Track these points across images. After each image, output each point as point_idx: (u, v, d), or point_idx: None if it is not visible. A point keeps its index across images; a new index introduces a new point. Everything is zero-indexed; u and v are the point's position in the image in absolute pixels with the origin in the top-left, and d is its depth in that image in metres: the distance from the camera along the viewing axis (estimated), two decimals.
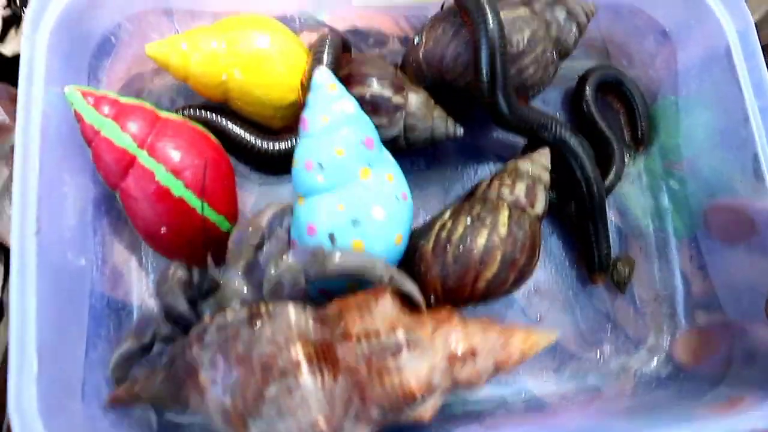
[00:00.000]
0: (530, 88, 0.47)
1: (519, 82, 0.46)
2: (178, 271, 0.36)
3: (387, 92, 0.45)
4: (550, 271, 0.50)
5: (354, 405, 0.34)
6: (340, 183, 0.40)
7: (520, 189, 0.43)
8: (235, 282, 0.36)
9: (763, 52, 0.44)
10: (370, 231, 0.40)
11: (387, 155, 0.43)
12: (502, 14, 0.44)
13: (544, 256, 0.50)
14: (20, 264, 0.37)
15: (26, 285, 0.37)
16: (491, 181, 0.44)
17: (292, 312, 0.35)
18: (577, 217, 0.49)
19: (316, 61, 0.45)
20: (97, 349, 0.43)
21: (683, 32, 0.49)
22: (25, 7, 0.38)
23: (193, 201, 0.42)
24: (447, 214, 0.43)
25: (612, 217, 0.52)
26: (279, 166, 0.47)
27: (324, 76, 0.41)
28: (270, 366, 0.33)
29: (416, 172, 0.50)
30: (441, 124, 0.46)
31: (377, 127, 0.43)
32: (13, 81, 0.42)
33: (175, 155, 0.42)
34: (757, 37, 0.44)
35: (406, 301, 0.38)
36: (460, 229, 0.42)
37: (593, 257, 0.48)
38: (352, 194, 0.40)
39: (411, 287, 0.38)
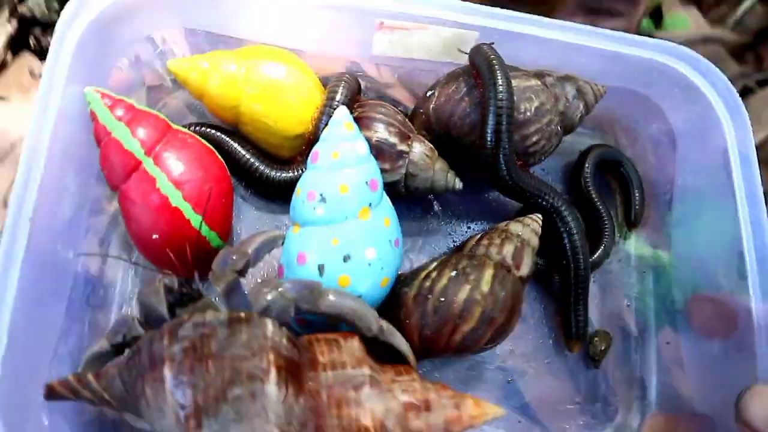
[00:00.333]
0: (532, 156, 0.48)
1: (522, 148, 0.47)
2: (164, 279, 0.36)
3: (393, 139, 0.46)
4: (529, 335, 0.51)
5: (308, 429, 0.34)
6: (338, 218, 0.41)
7: (508, 250, 0.44)
8: (213, 299, 0.36)
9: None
10: (360, 269, 0.41)
11: (387, 200, 0.44)
12: (514, 82, 0.46)
13: (526, 319, 0.51)
14: (8, 246, 0.38)
15: (10, 267, 0.37)
16: (481, 238, 0.45)
17: (270, 325, 0.35)
18: (560, 285, 0.50)
19: (330, 100, 0.46)
20: (67, 344, 0.43)
21: (686, 126, 0.51)
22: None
23: (189, 213, 0.42)
24: (433, 265, 0.44)
25: (596, 291, 0.52)
26: (278, 194, 0.48)
27: (343, 114, 0.43)
28: (239, 369, 0.33)
29: (412, 219, 0.51)
30: (441, 176, 0.48)
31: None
32: None
33: (179, 167, 0.43)
34: (753, 144, 0.45)
35: (371, 351, 0.38)
36: (443, 281, 0.42)
37: (570, 325, 0.49)
38: (348, 231, 0.41)
39: (401, 342, 0.39)
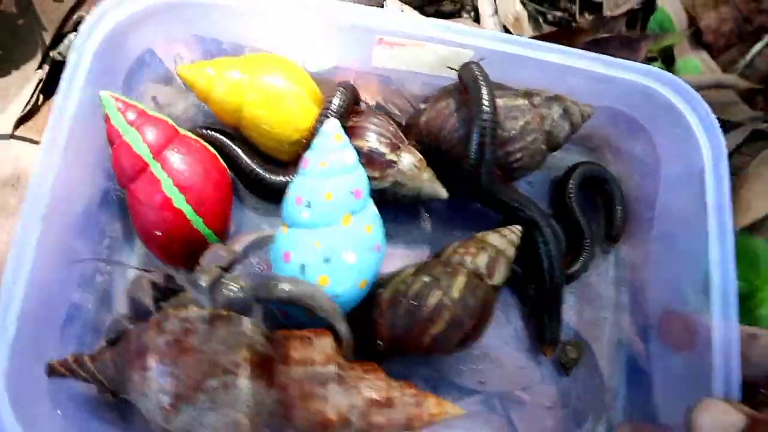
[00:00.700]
0: (515, 171, 0.51)
1: (506, 163, 0.50)
2: (150, 276, 0.40)
3: (383, 149, 0.49)
4: (503, 339, 0.53)
5: (276, 420, 0.38)
6: (322, 223, 0.44)
7: (482, 259, 0.47)
8: (196, 293, 0.40)
9: None
10: (339, 271, 0.44)
11: (372, 207, 0.47)
12: (502, 101, 0.49)
13: (501, 325, 0.53)
14: (21, 241, 0.41)
15: (23, 259, 0.41)
16: (458, 246, 0.48)
17: (248, 324, 0.39)
18: (536, 293, 0.52)
19: (326, 109, 0.49)
20: (74, 326, 0.47)
21: (668, 147, 0.52)
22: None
23: (190, 214, 0.46)
24: (410, 270, 0.47)
25: (574, 303, 0.55)
26: (275, 196, 0.51)
27: (333, 126, 0.46)
28: (216, 362, 0.37)
29: (398, 225, 0.54)
30: (429, 185, 0.50)
31: (369, 178, 0.47)
32: None
33: (184, 172, 0.46)
34: (727, 167, 0.47)
35: (341, 349, 0.42)
36: (416, 286, 0.45)
37: (544, 330, 0.52)
38: (330, 235, 0.44)
39: (342, 327, 0.42)
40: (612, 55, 0.50)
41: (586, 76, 0.50)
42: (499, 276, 0.47)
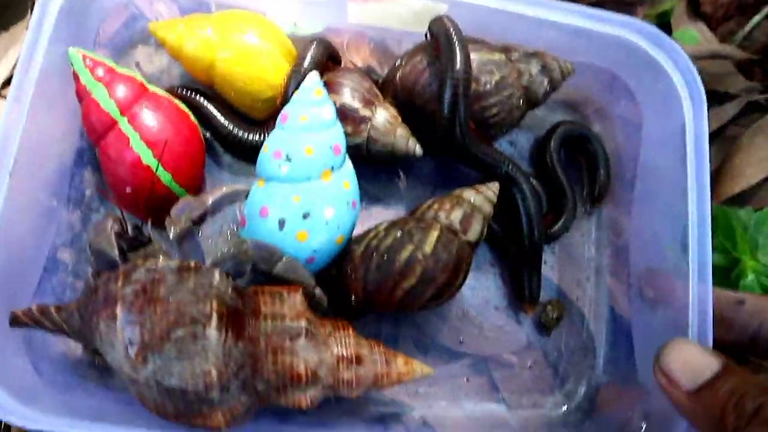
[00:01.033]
0: (492, 127, 0.50)
1: (481, 119, 0.49)
2: (114, 223, 0.40)
3: (356, 104, 0.48)
4: (484, 299, 0.53)
5: (245, 372, 0.38)
6: (301, 178, 0.44)
7: (457, 215, 0.46)
8: (164, 244, 0.40)
9: None
10: (317, 226, 0.44)
11: (348, 164, 0.47)
12: (478, 55, 0.48)
13: (481, 284, 0.53)
14: None
15: None
16: (433, 203, 0.47)
17: (217, 275, 0.39)
18: (515, 251, 0.51)
19: (299, 66, 0.48)
20: (51, 282, 0.47)
21: (650, 104, 0.51)
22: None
23: (159, 171, 0.46)
24: (383, 225, 0.47)
25: (555, 263, 0.54)
26: (250, 155, 0.51)
27: (313, 80, 0.45)
28: (184, 312, 0.36)
29: (375, 184, 0.53)
30: (402, 142, 0.49)
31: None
32: None
33: (152, 128, 0.46)
34: (706, 122, 0.46)
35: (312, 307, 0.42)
36: (388, 241, 0.45)
37: (523, 288, 0.51)
38: (309, 190, 0.44)
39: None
40: None
41: (564, 29, 0.49)
42: (474, 232, 0.46)
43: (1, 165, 0.42)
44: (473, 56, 0.47)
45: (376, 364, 0.41)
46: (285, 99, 0.48)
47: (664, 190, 0.49)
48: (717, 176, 0.59)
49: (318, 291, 0.44)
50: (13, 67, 0.58)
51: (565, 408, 0.51)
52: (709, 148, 0.46)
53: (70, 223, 0.50)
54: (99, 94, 0.45)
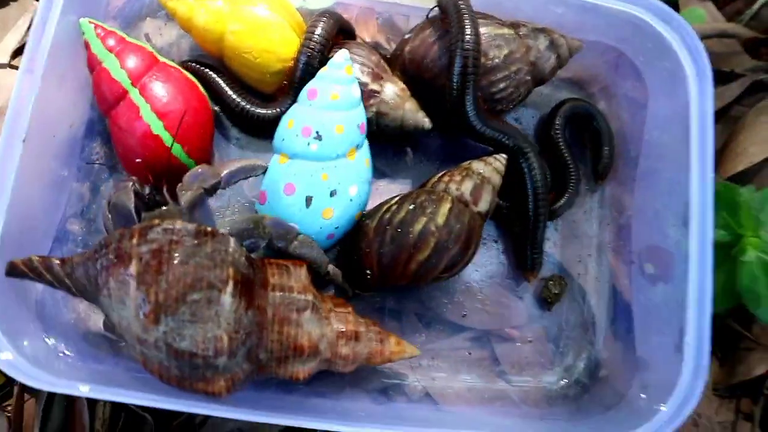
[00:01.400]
0: (499, 102, 0.50)
1: (489, 94, 0.49)
2: (135, 184, 0.40)
3: (365, 78, 0.48)
4: (486, 273, 0.54)
5: (251, 340, 0.39)
6: (330, 156, 0.44)
7: (467, 186, 0.47)
8: (176, 209, 0.40)
9: None
10: (342, 204, 0.45)
11: (366, 142, 0.47)
12: (487, 29, 0.48)
13: (484, 259, 0.53)
14: (2, 162, 0.42)
15: (4, 183, 0.42)
16: (443, 175, 0.48)
17: (233, 242, 0.39)
18: (520, 223, 0.52)
19: (308, 39, 0.49)
20: (61, 251, 0.48)
21: (657, 82, 0.51)
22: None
23: (168, 141, 0.46)
24: (395, 199, 0.47)
25: (558, 239, 0.55)
26: (260, 129, 0.51)
27: (344, 57, 0.45)
28: (201, 276, 0.36)
29: (384, 159, 0.54)
30: (411, 115, 0.50)
31: None
32: None
33: (162, 98, 0.46)
34: (713, 100, 0.46)
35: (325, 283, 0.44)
36: (401, 214, 0.45)
37: (526, 257, 0.52)
38: (337, 168, 0.44)
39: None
40: None
41: (572, 6, 0.49)
42: (484, 203, 0.47)
43: (15, 133, 0.43)
44: (482, 30, 0.47)
45: (372, 341, 0.43)
46: (295, 72, 0.49)
47: (667, 168, 0.50)
48: (721, 155, 0.59)
49: (332, 267, 0.45)
50: (24, 36, 0.59)
51: (564, 382, 0.52)
52: (714, 126, 0.46)
53: (80, 193, 0.50)
54: (110, 63, 0.46)
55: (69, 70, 0.47)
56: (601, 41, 0.53)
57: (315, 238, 0.45)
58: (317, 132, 0.44)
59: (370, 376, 0.50)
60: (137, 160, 0.47)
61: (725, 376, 0.57)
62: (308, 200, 0.44)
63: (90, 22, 0.46)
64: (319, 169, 0.44)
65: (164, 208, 0.41)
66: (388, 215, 0.46)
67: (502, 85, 0.49)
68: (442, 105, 0.49)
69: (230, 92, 0.51)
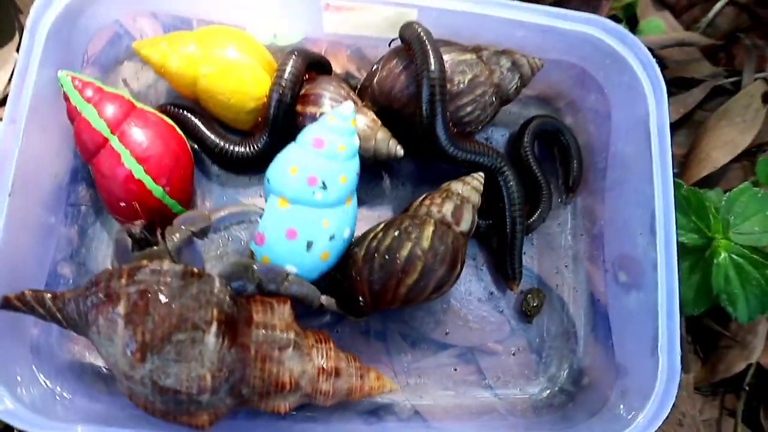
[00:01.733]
0: (467, 125, 0.52)
1: (457, 118, 0.51)
2: (129, 225, 0.43)
3: None
4: (467, 291, 0.55)
5: (234, 377, 0.40)
6: (332, 203, 0.46)
7: (448, 208, 0.48)
8: (164, 250, 0.42)
9: None
10: (338, 245, 0.47)
11: None
12: (450, 56, 0.50)
13: (465, 276, 0.55)
14: None
15: None
16: (424, 198, 0.50)
17: (217, 283, 0.41)
18: (498, 236, 0.54)
19: (279, 78, 0.51)
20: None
21: (617, 96, 0.53)
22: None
23: (150, 184, 0.48)
24: (380, 226, 0.49)
25: (534, 253, 0.57)
26: (239, 167, 0.54)
27: (351, 109, 0.47)
28: (186, 317, 0.38)
29: (361, 187, 0.55)
30: (383, 144, 0.52)
31: None
32: None
33: (142, 144, 0.48)
34: (668, 112, 0.48)
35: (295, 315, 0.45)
36: (387, 241, 0.47)
37: (506, 268, 0.54)
38: (337, 215, 0.46)
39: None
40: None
41: (532, 28, 0.51)
42: (465, 222, 0.49)
43: (1, 186, 0.44)
44: (445, 57, 0.49)
45: (352, 377, 0.44)
46: (269, 110, 0.51)
47: (632, 177, 0.51)
48: (686, 160, 0.61)
49: (325, 298, 0.46)
50: (5, 88, 0.60)
51: (549, 391, 0.54)
52: (678, 133, 0.49)
53: (68, 237, 0.52)
54: (89, 113, 0.47)
55: (51, 121, 0.49)
56: (563, 59, 0.55)
57: (308, 276, 0.47)
58: (323, 182, 0.45)
59: None
60: (121, 204, 0.48)
61: (707, 375, 0.59)
62: (309, 245, 0.45)
63: (68, 74, 0.48)
64: (321, 216, 0.45)
65: (153, 248, 0.42)
66: (374, 243, 0.47)
67: (469, 109, 0.51)
68: (414, 132, 0.51)
69: (208, 132, 0.53)
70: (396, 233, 0.47)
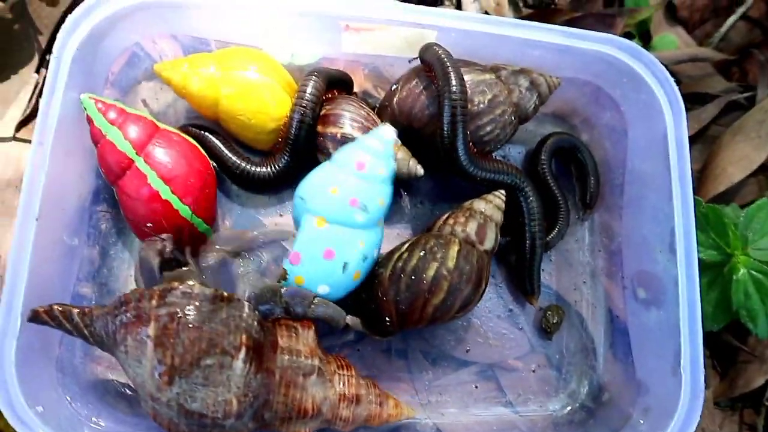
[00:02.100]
0: (487, 144, 0.52)
1: (477, 137, 0.51)
2: (160, 242, 0.43)
3: (356, 134, 0.51)
4: (488, 309, 0.56)
5: (258, 402, 0.40)
6: (369, 226, 0.47)
7: (472, 227, 0.49)
8: (198, 270, 0.42)
9: None
10: (368, 266, 0.48)
11: None
12: (470, 76, 0.50)
13: (486, 295, 0.54)
14: (19, 242, 0.44)
15: (21, 258, 0.44)
16: (448, 217, 0.50)
17: (247, 308, 0.41)
18: (518, 253, 0.55)
19: (300, 98, 0.51)
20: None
21: (634, 113, 0.54)
22: None
23: (177, 204, 0.48)
24: (405, 246, 0.49)
25: (553, 270, 0.57)
26: (260, 187, 0.54)
27: (393, 134, 0.48)
28: (215, 342, 0.38)
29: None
30: (404, 164, 0.52)
31: None
32: None
33: (167, 164, 0.48)
34: (686, 129, 0.49)
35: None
36: (413, 261, 0.47)
37: (525, 284, 0.54)
38: (372, 237, 0.47)
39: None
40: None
41: (548, 48, 0.52)
42: (489, 241, 0.49)
43: (29, 211, 0.45)
44: (465, 78, 0.50)
45: (371, 404, 0.45)
46: (289, 131, 0.51)
47: (650, 194, 0.52)
48: (702, 176, 0.62)
49: (350, 318, 0.46)
50: (26, 108, 0.61)
51: (570, 408, 0.54)
52: (693, 148, 0.49)
53: (90, 258, 0.52)
54: (114, 136, 0.48)
55: (75, 143, 0.49)
56: (578, 77, 0.55)
57: (337, 295, 0.47)
58: (364, 204, 0.45)
59: None
60: (147, 225, 0.48)
61: (726, 390, 0.59)
62: (345, 266, 0.46)
63: (90, 97, 0.48)
64: (358, 237, 0.46)
65: (184, 269, 0.42)
66: (400, 263, 0.48)
67: (489, 128, 0.51)
68: (433, 151, 0.51)
69: (228, 153, 0.53)
70: (422, 253, 0.47)
